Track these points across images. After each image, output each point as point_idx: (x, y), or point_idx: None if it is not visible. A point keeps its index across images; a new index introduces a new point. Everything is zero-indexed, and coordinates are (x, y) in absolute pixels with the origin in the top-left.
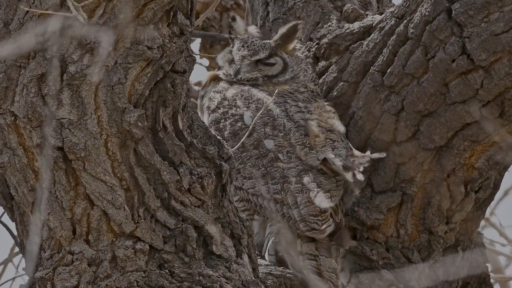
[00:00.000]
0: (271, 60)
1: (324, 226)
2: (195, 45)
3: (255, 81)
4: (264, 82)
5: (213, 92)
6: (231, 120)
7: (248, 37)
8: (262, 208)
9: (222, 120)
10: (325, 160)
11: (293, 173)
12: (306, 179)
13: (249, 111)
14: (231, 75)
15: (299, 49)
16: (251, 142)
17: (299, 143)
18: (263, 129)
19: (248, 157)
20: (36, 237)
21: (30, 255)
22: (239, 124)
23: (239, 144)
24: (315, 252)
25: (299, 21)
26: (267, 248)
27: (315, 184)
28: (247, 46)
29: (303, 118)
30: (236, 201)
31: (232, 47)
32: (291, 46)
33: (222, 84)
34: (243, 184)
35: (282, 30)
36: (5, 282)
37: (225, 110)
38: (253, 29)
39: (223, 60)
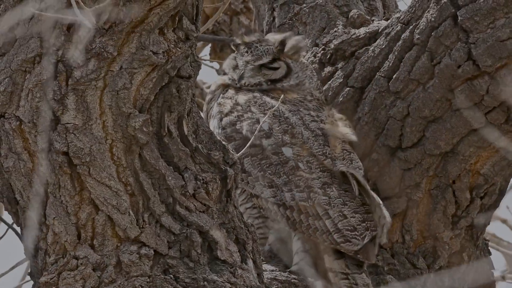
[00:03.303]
0: (275, 65)
1: (365, 240)
2: (206, 49)
3: (259, 86)
4: (269, 87)
5: (222, 98)
6: (248, 121)
7: (251, 42)
8: (283, 218)
9: (238, 122)
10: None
11: (317, 184)
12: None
13: (266, 118)
14: (235, 80)
15: (303, 56)
16: (270, 144)
17: (320, 153)
18: (281, 137)
19: (268, 165)
20: (40, 242)
21: (33, 259)
22: (257, 125)
23: (244, 150)
24: (346, 270)
25: (302, 40)
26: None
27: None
28: (251, 52)
29: (318, 127)
30: (249, 208)
31: (236, 53)
32: (294, 57)
33: (231, 91)
34: (262, 192)
35: (287, 42)
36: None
37: (240, 114)
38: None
39: (228, 66)
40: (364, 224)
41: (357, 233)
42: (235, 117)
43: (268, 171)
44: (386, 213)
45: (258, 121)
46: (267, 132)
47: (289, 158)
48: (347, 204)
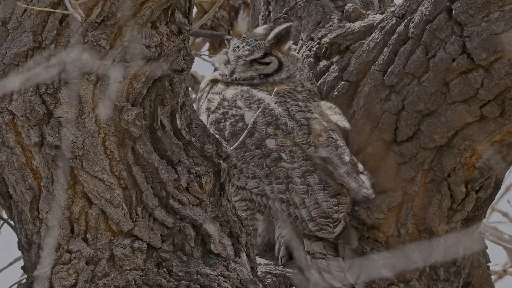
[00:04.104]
0: (266, 59)
1: (337, 228)
2: (205, 45)
3: (251, 80)
4: (261, 81)
5: (212, 93)
6: (232, 120)
7: (243, 37)
8: (267, 208)
9: (222, 120)
10: (325, 160)
11: (298, 173)
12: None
13: (251, 112)
14: (226, 75)
15: (294, 49)
16: (253, 142)
17: (303, 143)
18: (264, 129)
19: (251, 157)
20: (34, 236)
21: (27, 253)
22: (240, 124)
23: (237, 143)
24: (323, 251)
25: (291, 24)
26: (280, 250)
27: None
28: (242, 47)
29: (304, 117)
30: (237, 200)
31: (228, 48)
32: (285, 47)
33: (220, 86)
34: (246, 184)
35: (275, 30)
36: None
37: (225, 110)
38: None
39: (219, 61)
40: (337, 207)
41: (330, 221)
42: (220, 114)
43: (251, 163)
44: (356, 186)
45: (242, 117)
46: (250, 130)
47: (272, 150)
48: (327, 189)
